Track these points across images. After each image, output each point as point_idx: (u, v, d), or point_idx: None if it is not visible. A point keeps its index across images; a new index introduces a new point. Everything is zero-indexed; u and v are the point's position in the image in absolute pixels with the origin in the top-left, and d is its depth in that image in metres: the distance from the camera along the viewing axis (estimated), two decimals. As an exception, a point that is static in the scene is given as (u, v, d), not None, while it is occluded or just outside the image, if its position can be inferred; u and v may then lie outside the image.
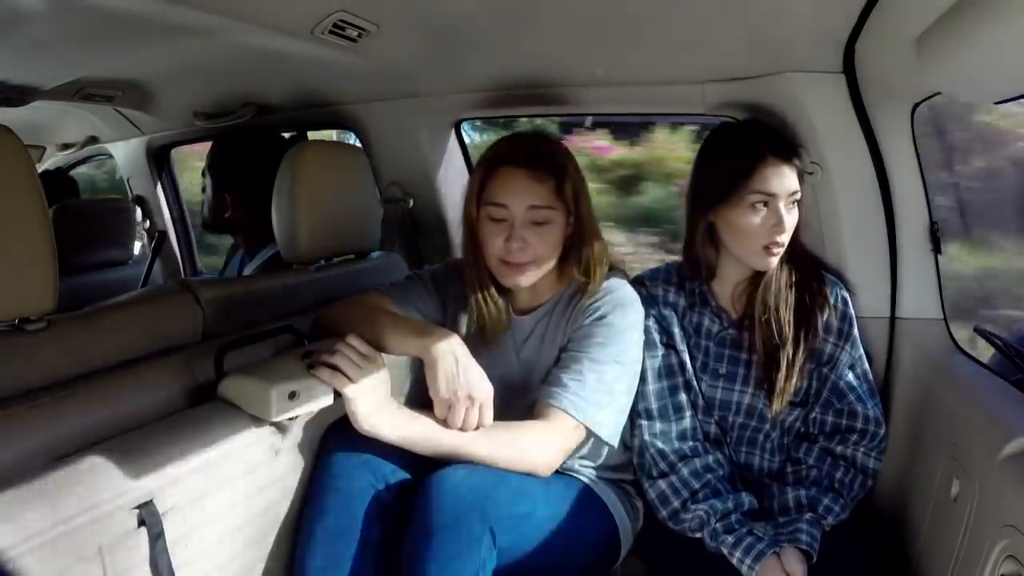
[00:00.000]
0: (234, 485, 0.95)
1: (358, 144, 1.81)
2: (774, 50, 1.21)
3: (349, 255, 1.55)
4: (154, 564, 0.84)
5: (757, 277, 1.21)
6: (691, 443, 1.21)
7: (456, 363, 1.02)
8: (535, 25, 1.29)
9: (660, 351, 1.22)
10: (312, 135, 1.96)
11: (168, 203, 2.38)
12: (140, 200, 2.37)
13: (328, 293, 1.36)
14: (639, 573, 1.26)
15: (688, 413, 1.22)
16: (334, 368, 0.98)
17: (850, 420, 1.19)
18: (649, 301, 1.23)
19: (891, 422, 1.25)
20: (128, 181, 2.38)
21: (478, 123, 2.04)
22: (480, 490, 0.97)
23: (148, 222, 2.38)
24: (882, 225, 1.28)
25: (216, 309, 1.15)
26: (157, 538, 0.84)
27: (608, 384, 1.11)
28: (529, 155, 1.13)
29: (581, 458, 1.20)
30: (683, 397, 1.22)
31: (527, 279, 1.15)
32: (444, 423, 1.01)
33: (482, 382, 1.03)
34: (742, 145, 1.17)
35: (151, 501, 0.83)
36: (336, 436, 1.06)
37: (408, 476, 1.04)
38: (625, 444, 1.23)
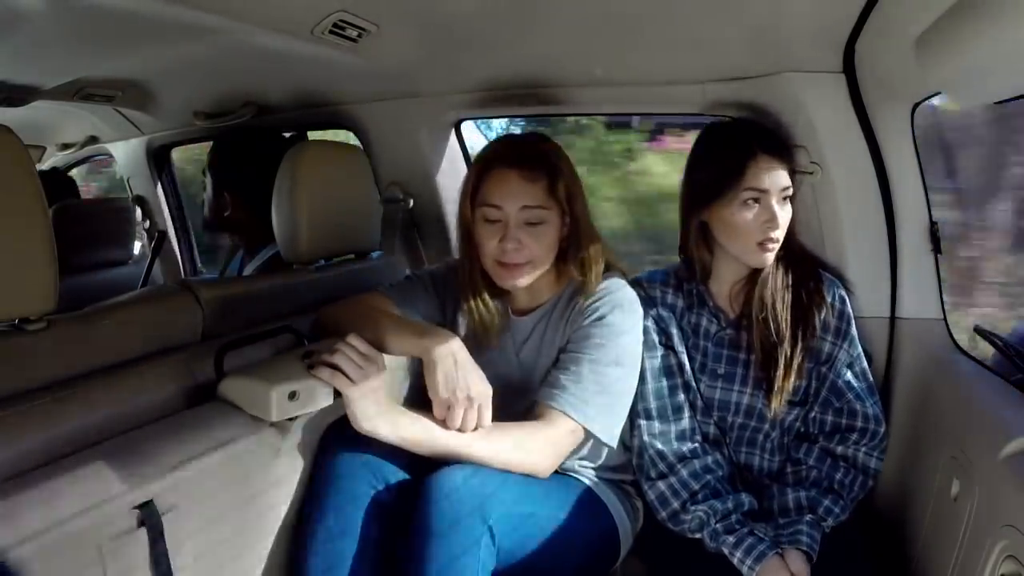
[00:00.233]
0: (234, 485, 0.95)
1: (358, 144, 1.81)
2: (774, 50, 1.21)
3: (349, 255, 1.55)
4: (154, 564, 0.84)
5: (754, 276, 1.21)
6: (690, 444, 1.21)
7: (455, 364, 1.02)
8: (535, 25, 1.29)
9: (659, 352, 1.22)
10: (314, 135, 1.96)
11: (168, 203, 2.38)
12: (140, 200, 2.37)
13: (328, 293, 1.36)
14: (639, 573, 1.26)
15: (687, 414, 1.22)
16: (334, 368, 0.98)
17: (850, 419, 1.19)
18: (647, 302, 1.23)
19: (891, 422, 1.25)
20: (128, 181, 2.38)
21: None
22: (480, 491, 0.97)
23: (148, 222, 2.38)
24: (882, 225, 1.28)
25: (216, 309, 1.15)
26: (157, 538, 0.84)
27: (607, 385, 1.11)
28: (522, 155, 1.13)
29: (581, 459, 1.20)
30: (682, 398, 1.22)
31: (523, 280, 1.15)
32: (443, 424, 1.01)
33: (481, 383, 1.03)
34: (732, 143, 1.18)
35: (151, 501, 0.83)
36: (336, 436, 1.06)
37: (408, 477, 1.04)
38: (625, 445, 1.23)
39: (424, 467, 1.01)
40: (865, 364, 1.22)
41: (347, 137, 1.85)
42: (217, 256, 2.42)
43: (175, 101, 1.92)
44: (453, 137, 1.74)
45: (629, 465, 1.25)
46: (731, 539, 1.09)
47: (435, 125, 1.68)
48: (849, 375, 1.20)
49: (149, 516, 0.83)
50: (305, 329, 1.18)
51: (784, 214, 1.16)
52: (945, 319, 1.28)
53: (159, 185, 2.35)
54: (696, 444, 1.21)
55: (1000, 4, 0.74)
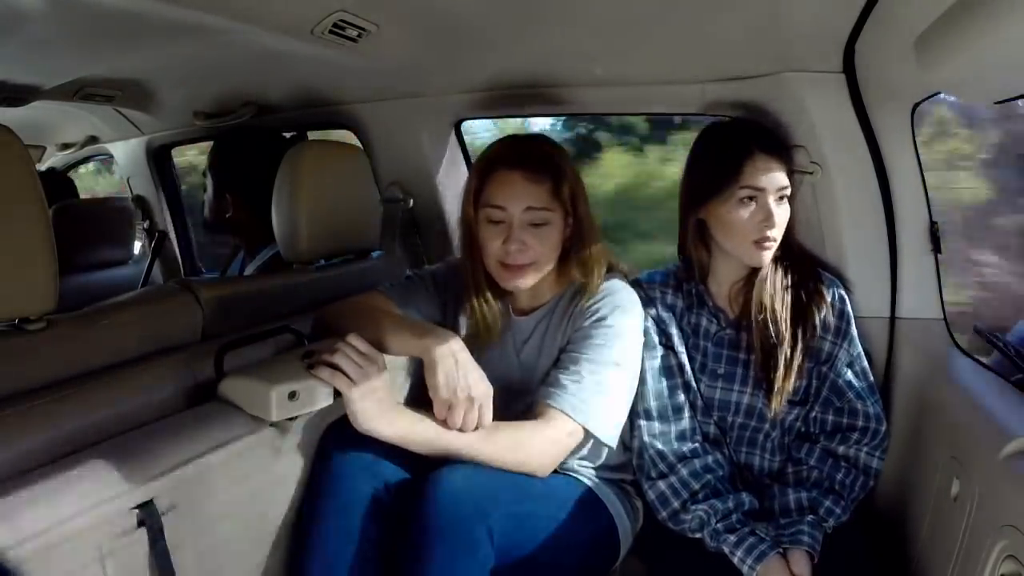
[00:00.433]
0: (234, 485, 0.95)
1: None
2: (774, 50, 1.20)
3: (349, 255, 1.55)
4: (154, 564, 0.84)
5: (753, 276, 1.21)
6: (690, 444, 1.21)
7: (456, 364, 1.01)
8: (535, 25, 1.29)
9: (659, 352, 1.22)
10: (313, 135, 1.96)
11: (168, 203, 2.38)
12: (140, 200, 2.37)
13: (328, 293, 1.36)
14: (639, 573, 1.26)
15: (687, 414, 1.22)
16: (334, 368, 0.98)
17: (851, 418, 1.19)
18: (647, 303, 1.23)
19: (891, 422, 1.25)
20: (128, 181, 2.38)
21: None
22: (480, 490, 0.97)
23: (148, 222, 2.38)
24: (882, 225, 1.28)
25: (216, 309, 1.15)
26: (157, 538, 0.84)
27: (607, 385, 1.11)
28: (526, 157, 1.13)
29: (580, 458, 1.20)
30: (682, 398, 1.22)
31: (526, 281, 1.15)
32: (444, 423, 1.01)
33: (482, 383, 1.03)
34: (730, 142, 1.18)
35: (151, 501, 0.83)
36: (336, 436, 1.06)
37: (408, 476, 1.04)
38: (624, 445, 1.23)
39: (424, 467, 1.01)
40: (865, 363, 1.22)
41: (342, 137, 1.86)
42: (217, 256, 2.42)
43: (175, 101, 1.92)
44: (453, 137, 1.73)
45: (629, 465, 1.25)
46: (732, 538, 1.09)
47: (435, 125, 1.68)
48: (849, 374, 1.20)
49: (149, 516, 0.83)
50: (305, 329, 1.18)
51: (781, 214, 1.16)
52: (945, 319, 1.28)
53: (159, 185, 2.35)
54: (696, 444, 1.21)
55: (1000, 4, 0.74)
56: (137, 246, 2.41)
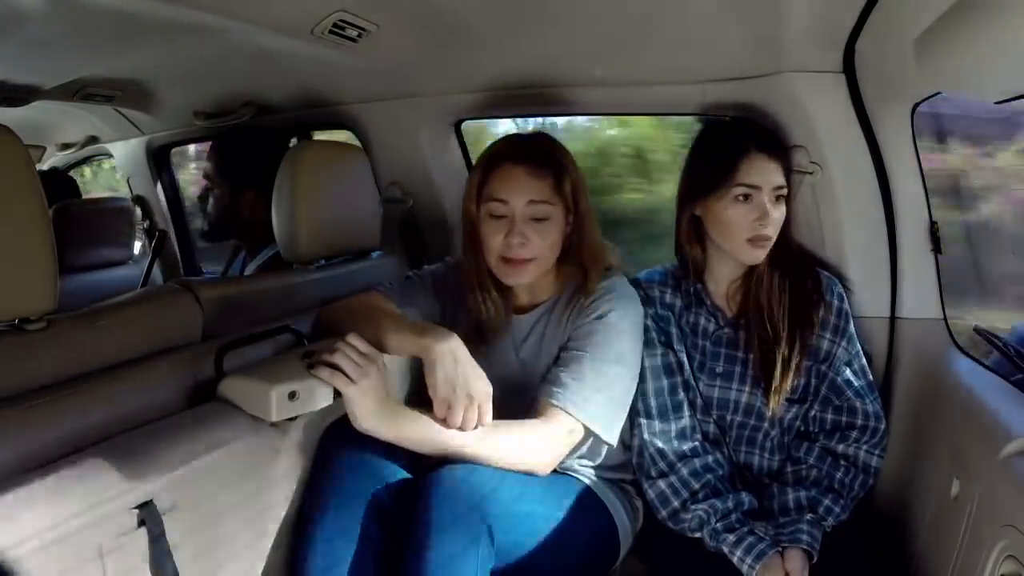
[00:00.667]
0: (234, 485, 0.95)
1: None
2: (774, 50, 1.21)
3: (349, 255, 1.55)
4: (154, 564, 0.84)
5: (750, 275, 1.21)
6: (690, 443, 1.21)
7: (455, 363, 1.02)
8: (535, 25, 1.29)
9: (659, 350, 1.22)
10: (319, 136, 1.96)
11: (168, 203, 2.38)
12: (140, 200, 2.37)
13: (328, 293, 1.36)
14: (639, 573, 1.26)
15: (687, 412, 1.22)
16: (334, 367, 0.98)
17: (850, 416, 1.19)
18: (646, 302, 1.23)
19: (891, 422, 1.25)
20: (128, 181, 2.38)
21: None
22: (479, 490, 0.97)
23: (148, 222, 2.38)
24: (882, 225, 1.28)
25: (216, 309, 1.15)
26: (157, 538, 0.84)
27: (608, 383, 1.11)
28: (528, 152, 1.14)
29: (580, 458, 1.20)
30: (682, 396, 1.22)
31: (527, 277, 1.15)
32: (444, 422, 1.01)
33: (481, 381, 1.03)
34: (727, 139, 1.19)
35: (151, 501, 0.83)
36: (336, 436, 1.06)
37: (408, 476, 1.04)
38: (624, 444, 1.23)
39: (424, 466, 1.01)
40: (864, 361, 1.22)
41: (343, 138, 1.86)
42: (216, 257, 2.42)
43: (175, 101, 1.92)
44: (453, 137, 1.74)
45: (629, 464, 1.25)
46: (731, 538, 1.09)
47: (435, 125, 1.68)
48: (848, 373, 1.20)
49: (149, 516, 0.83)
50: (305, 329, 1.18)
51: (777, 213, 1.16)
52: (945, 319, 1.28)
53: (159, 185, 2.34)
54: (696, 443, 1.21)
55: (1000, 4, 0.74)
56: (137, 246, 2.40)
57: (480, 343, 1.18)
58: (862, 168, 1.26)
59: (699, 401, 1.24)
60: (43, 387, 0.88)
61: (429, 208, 1.75)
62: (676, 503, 1.17)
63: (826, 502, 1.14)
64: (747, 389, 1.22)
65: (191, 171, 2.61)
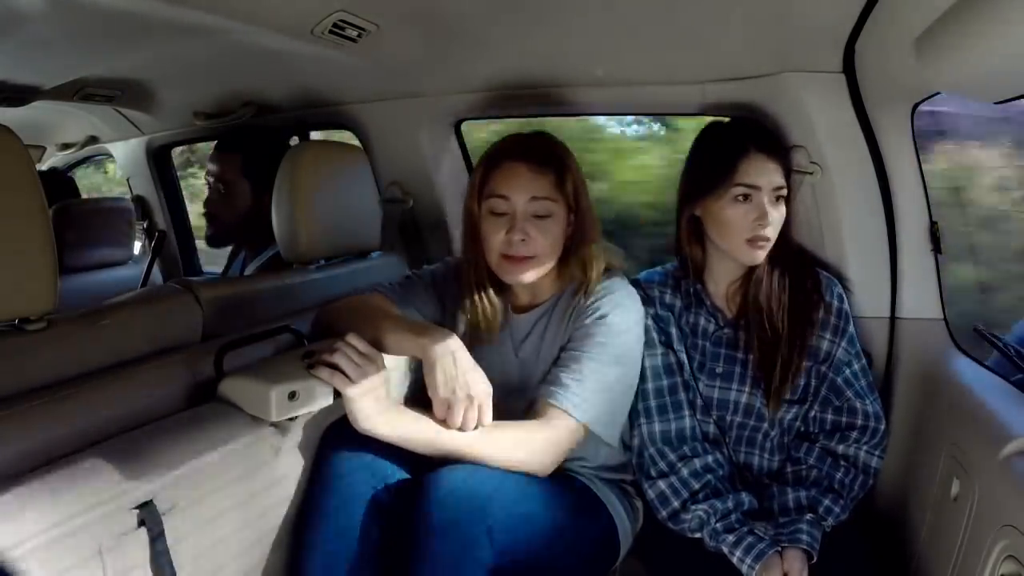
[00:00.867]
0: (234, 485, 0.95)
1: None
2: (774, 50, 1.21)
3: (349, 255, 1.56)
4: (154, 564, 0.84)
5: (749, 276, 1.21)
6: (690, 443, 1.21)
7: (455, 363, 1.02)
8: (535, 25, 1.29)
9: (659, 350, 1.22)
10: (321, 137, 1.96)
11: (168, 203, 2.38)
12: (140, 200, 2.37)
13: (328, 293, 1.36)
14: (639, 573, 1.26)
15: (687, 413, 1.22)
16: (334, 367, 0.98)
17: (850, 417, 1.19)
18: (646, 302, 1.23)
19: (891, 422, 1.25)
20: (128, 181, 2.38)
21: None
22: (479, 490, 0.97)
23: (148, 222, 2.38)
24: (882, 225, 1.28)
25: (216, 309, 1.15)
26: (157, 538, 0.84)
27: (608, 383, 1.11)
28: (531, 150, 1.14)
29: (580, 458, 1.20)
30: (682, 396, 1.22)
31: (528, 275, 1.15)
32: (444, 423, 1.01)
33: (481, 382, 1.03)
34: (726, 139, 1.19)
35: (151, 501, 0.83)
36: (336, 436, 1.06)
37: (408, 476, 1.04)
38: (624, 444, 1.23)
39: (424, 467, 1.01)
40: (864, 362, 1.22)
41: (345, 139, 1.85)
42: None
43: (175, 101, 1.92)
44: (453, 137, 1.74)
45: (628, 465, 1.25)
46: (731, 538, 1.09)
47: (435, 125, 1.68)
48: (848, 373, 1.20)
49: (149, 516, 0.83)
50: (305, 329, 1.18)
51: (776, 213, 1.16)
52: (945, 319, 1.28)
53: (159, 185, 2.35)
54: (696, 443, 1.21)
55: (1000, 4, 0.74)
56: (137, 246, 2.40)
57: (480, 343, 1.18)
58: (862, 168, 1.26)
59: (699, 401, 1.24)
60: (43, 387, 0.88)
61: (429, 208, 1.75)
62: (676, 503, 1.17)
63: (826, 502, 1.14)
64: (747, 389, 1.22)
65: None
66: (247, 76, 1.70)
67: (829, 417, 1.20)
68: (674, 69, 1.36)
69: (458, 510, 0.95)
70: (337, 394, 0.99)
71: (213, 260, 2.37)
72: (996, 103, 0.96)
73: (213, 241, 1.74)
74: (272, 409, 0.96)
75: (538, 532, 1.05)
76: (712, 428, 1.24)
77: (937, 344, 1.26)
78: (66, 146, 2.43)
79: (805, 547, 1.07)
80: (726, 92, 1.34)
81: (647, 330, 1.21)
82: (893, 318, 1.30)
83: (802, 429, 1.23)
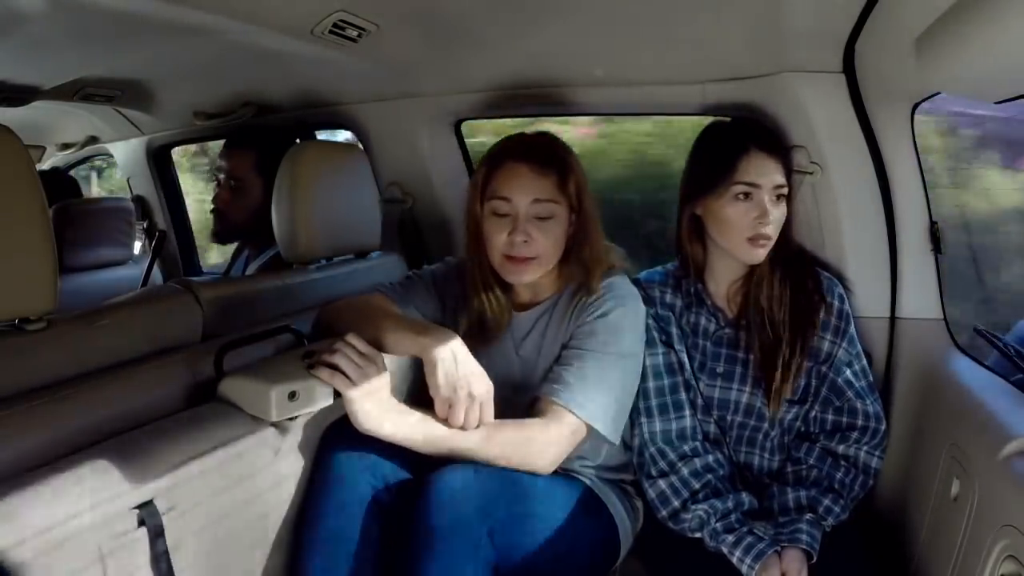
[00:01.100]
0: (234, 485, 0.95)
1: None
2: (774, 50, 1.21)
3: (349, 255, 1.55)
4: (155, 564, 0.84)
5: (751, 276, 1.21)
6: (691, 443, 1.21)
7: (456, 362, 1.01)
8: (535, 25, 1.29)
9: (660, 350, 1.22)
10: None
11: (168, 203, 2.38)
12: (140, 200, 2.37)
13: (328, 293, 1.36)
14: (639, 573, 1.26)
15: (688, 412, 1.22)
16: (334, 368, 0.98)
17: (850, 417, 1.19)
18: (647, 302, 1.23)
19: (891, 422, 1.25)
20: (128, 181, 2.38)
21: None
22: (481, 491, 0.97)
23: (148, 222, 2.38)
24: (882, 225, 1.28)
25: (216, 309, 1.15)
26: (157, 538, 0.84)
27: (611, 382, 1.11)
28: (533, 150, 1.14)
29: (581, 458, 1.20)
30: (683, 396, 1.22)
31: (530, 275, 1.15)
32: (445, 423, 1.01)
33: (482, 380, 1.03)
34: (727, 138, 1.19)
35: (151, 501, 0.83)
36: (336, 436, 1.06)
37: (408, 476, 1.04)
38: (625, 444, 1.23)
39: (425, 466, 1.01)
40: (865, 362, 1.22)
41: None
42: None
43: (175, 101, 1.92)
44: (453, 137, 1.74)
45: (629, 464, 1.25)
46: (731, 538, 1.09)
47: (435, 125, 1.68)
48: (849, 373, 1.20)
49: (149, 516, 0.83)
50: (305, 329, 1.18)
51: (777, 212, 1.16)
52: (945, 319, 1.28)
53: (159, 185, 2.35)
54: (697, 443, 1.21)
55: (1000, 4, 0.74)
56: (137, 246, 2.40)
57: (480, 342, 1.18)
58: (862, 168, 1.26)
59: (700, 401, 1.24)
60: (43, 387, 0.88)
61: (429, 208, 1.75)
62: (676, 503, 1.17)
63: (826, 502, 1.14)
64: (748, 389, 1.22)
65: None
66: (247, 76, 1.70)
67: (829, 417, 1.20)
68: (674, 69, 1.36)
69: (459, 510, 0.95)
70: (337, 394, 0.99)
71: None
72: (996, 103, 0.96)
73: (220, 237, 1.74)
74: (272, 409, 0.96)
75: (539, 532, 1.05)
76: (713, 428, 1.24)
77: (937, 344, 1.26)
78: (66, 146, 2.43)
79: (805, 547, 1.07)
80: (726, 92, 1.34)
81: (647, 329, 1.21)
82: (893, 318, 1.30)
83: (802, 429, 1.23)
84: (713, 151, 1.20)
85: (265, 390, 0.96)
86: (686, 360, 1.23)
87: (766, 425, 1.22)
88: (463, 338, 1.06)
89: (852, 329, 1.21)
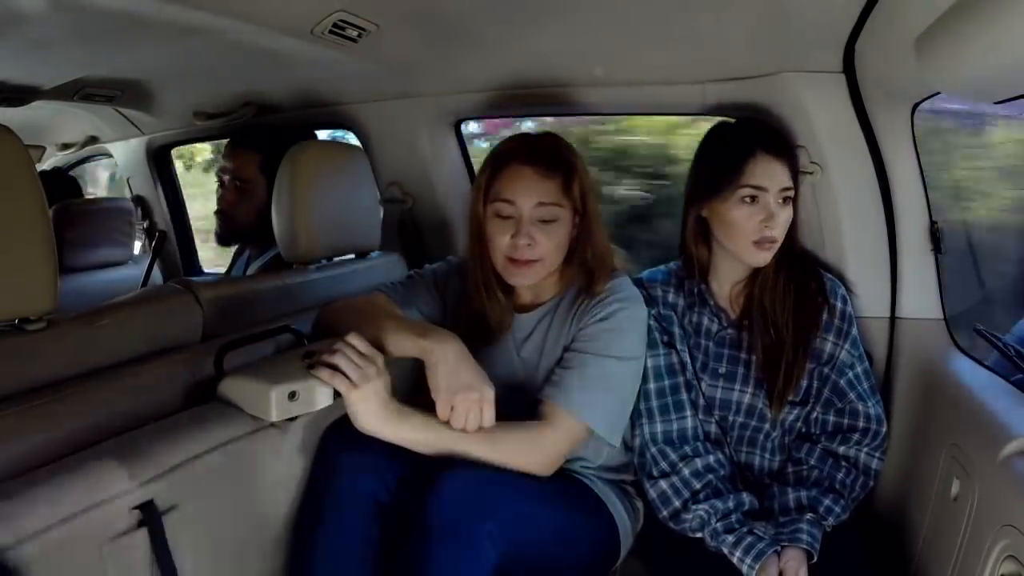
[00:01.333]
0: (234, 485, 0.95)
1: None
2: (774, 50, 1.21)
3: (349, 255, 1.56)
4: (154, 564, 0.84)
5: (754, 277, 1.21)
6: (692, 443, 1.21)
7: (457, 363, 1.01)
8: (535, 25, 1.29)
9: (661, 351, 1.22)
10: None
11: (168, 203, 2.38)
12: (140, 200, 2.37)
13: (328, 293, 1.36)
14: (639, 573, 1.26)
15: (689, 412, 1.22)
16: (334, 368, 0.98)
17: (851, 419, 1.19)
18: (649, 302, 1.23)
19: (891, 422, 1.25)
20: (128, 181, 2.38)
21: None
22: (481, 491, 0.97)
23: (148, 222, 2.38)
24: (882, 225, 1.28)
25: (216, 309, 1.15)
26: (157, 538, 0.84)
27: (612, 384, 1.11)
28: (538, 152, 1.13)
29: (581, 458, 1.20)
30: (684, 396, 1.22)
31: (533, 278, 1.15)
32: (446, 424, 1.01)
33: (483, 382, 1.03)
34: (733, 140, 1.19)
35: (151, 501, 0.83)
36: (336, 436, 1.06)
37: (408, 476, 1.04)
38: (626, 444, 1.23)
39: (425, 467, 1.01)
40: (867, 364, 1.22)
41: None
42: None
43: (175, 101, 1.92)
44: (453, 137, 1.74)
45: (630, 465, 1.25)
46: (731, 538, 1.09)
47: (435, 125, 1.69)
48: (851, 375, 1.20)
49: (149, 516, 0.83)
50: (305, 329, 1.18)
51: (783, 215, 1.15)
52: (945, 319, 1.28)
53: (159, 185, 2.35)
54: (698, 443, 1.21)
55: (1000, 4, 0.74)
56: (137, 246, 2.40)
57: (482, 343, 1.18)
58: (862, 168, 1.26)
59: (701, 401, 1.23)
60: (43, 387, 0.88)
61: (429, 208, 1.75)
62: (677, 503, 1.17)
63: (826, 502, 1.14)
64: (750, 390, 1.22)
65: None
66: (247, 76, 1.70)
67: (831, 419, 1.20)
68: (674, 69, 1.36)
69: (460, 510, 0.95)
70: (337, 394, 0.99)
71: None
72: (996, 103, 0.96)
73: (224, 239, 1.73)
74: (272, 409, 0.96)
75: (539, 532, 1.05)
76: (714, 428, 1.24)
77: (937, 344, 1.26)
78: (66, 146, 2.43)
79: (805, 547, 1.07)
80: (726, 92, 1.34)
81: (649, 330, 1.21)
82: (893, 318, 1.30)
83: (803, 430, 1.23)
84: (719, 153, 1.19)
85: (265, 390, 0.96)
86: (688, 360, 1.23)
87: (767, 426, 1.22)
88: (464, 339, 1.06)
89: (855, 331, 1.21)
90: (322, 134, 2.00)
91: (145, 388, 0.97)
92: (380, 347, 1.04)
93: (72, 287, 1.81)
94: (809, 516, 1.11)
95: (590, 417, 1.08)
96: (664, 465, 1.19)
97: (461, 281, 1.24)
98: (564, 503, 1.11)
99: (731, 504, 1.14)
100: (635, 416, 1.21)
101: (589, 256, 1.16)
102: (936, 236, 1.26)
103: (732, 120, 1.32)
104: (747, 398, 1.22)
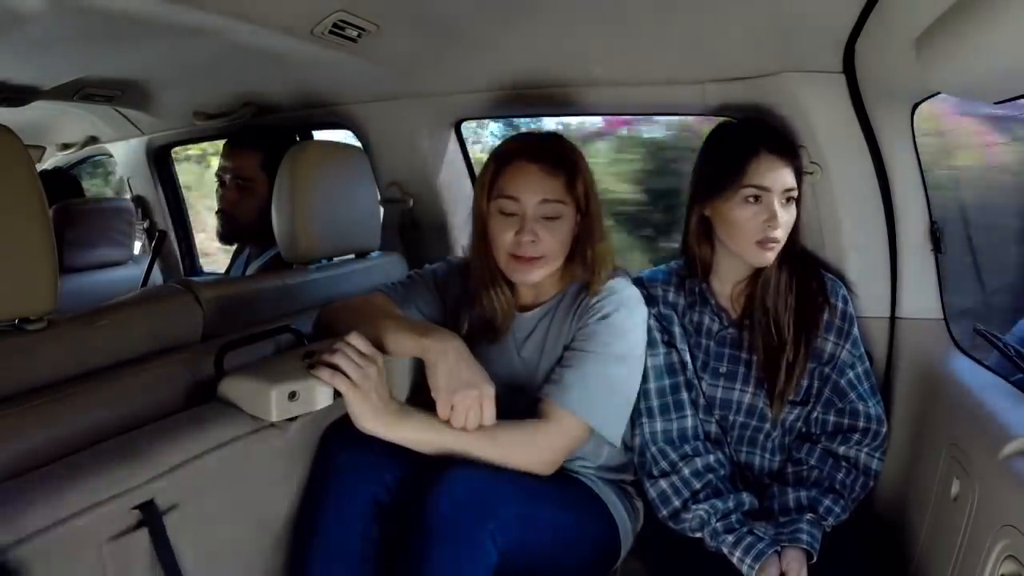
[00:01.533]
0: (234, 485, 0.95)
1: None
2: (774, 50, 1.21)
3: (349, 255, 1.55)
4: (155, 564, 0.84)
5: (756, 277, 1.21)
6: (692, 442, 1.21)
7: (457, 363, 1.02)
8: (535, 25, 1.29)
9: (661, 350, 1.22)
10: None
11: (168, 203, 2.38)
12: (140, 200, 2.37)
13: (328, 293, 1.36)
14: (639, 573, 1.26)
15: (689, 412, 1.22)
16: (334, 368, 0.98)
17: (852, 419, 1.19)
18: (649, 301, 1.23)
19: (891, 422, 1.25)
20: (128, 181, 2.38)
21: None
22: (481, 490, 0.97)
23: (148, 222, 2.38)
24: (882, 225, 1.28)
25: (216, 309, 1.15)
26: (158, 538, 0.84)
27: (612, 384, 1.11)
28: (542, 150, 1.14)
29: (581, 458, 1.20)
30: (684, 396, 1.22)
31: (536, 275, 1.15)
32: (446, 423, 1.01)
33: (483, 379, 1.03)
34: (737, 140, 1.19)
35: (152, 501, 0.83)
36: (336, 436, 1.06)
37: (408, 476, 1.04)
38: (626, 444, 1.23)
39: (425, 466, 1.01)
40: (868, 364, 1.22)
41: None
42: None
43: (175, 101, 1.92)
44: (453, 137, 1.74)
45: (630, 465, 1.25)
46: (731, 538, 1.09)
47: (435, 125, 1.69)
48: (852, 375, 1.20)
49: (150, 516, 0.83)
50: (305, 329, 1.18)
51: (786, 215, 1.15)
52: (945, 319, 1.28)
53: (159, 185, 2.34)
54: (698, 443, 1.21)
55: (1000, 4, 0.74)
56: (137, 246, 2.40)
57: (483, 342, 1.18)
58: (862, 168, 1.26)
59: (702, 401, 1.23)
60: (43, 387, 0.88)
61: (429, 208, 1.75)
62: (677, 503, 1.17)
63: (826, 502, 1.14)
64: (750, 390, 1.22)
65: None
66: (247, 76, 1.70)
67: (831, 419, 1.20)
68: (674, 69, 1.36)
69: (460, 510, 0.95)
70: (337, 394, 0.99)
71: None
72: (996, 103, 0.96)
73: (225, 238, 1.73)
74: (272, 409, 0.96)
75: (539, 532, 1.05)
76: (714, 428, 1.24)
77: (937, 344, 1.26)
78: (66, 146, 2.43)
79: (805, 547, 1.07)
80: (727, 92, 1.34)
81: (649, 330, 1.21)
82: (893, 318, 1.30)
83: (803, 430, 1.23)
84: (722, 153, 1.19)
85: (265, 390, 0.96)
86: (688, 359, 1.23)
87: (767, 425, 1.22)
88: (464, 338, 1.06)
89: (855, 331, 1.21)
90: (321, 135, 2.01)
91: (145, 388, 0.97)
92: (380, 347, 1.05)
93: (72, 287, 1.80)
94: (809, 516, 1.11)
95: (590, 416, 1.08)
96: (664, 464, 1.19)
97: (461, 281, 1.24)
98: (564, 503, 1.11)
99: (731, 504, 1.14)
100: (635, 415, 1.21)
101: (590, 255, 1.17)
102: (936, 236, 1.26)
103: (735, 120, 1.32)
104: (747, 398, 1.22)
